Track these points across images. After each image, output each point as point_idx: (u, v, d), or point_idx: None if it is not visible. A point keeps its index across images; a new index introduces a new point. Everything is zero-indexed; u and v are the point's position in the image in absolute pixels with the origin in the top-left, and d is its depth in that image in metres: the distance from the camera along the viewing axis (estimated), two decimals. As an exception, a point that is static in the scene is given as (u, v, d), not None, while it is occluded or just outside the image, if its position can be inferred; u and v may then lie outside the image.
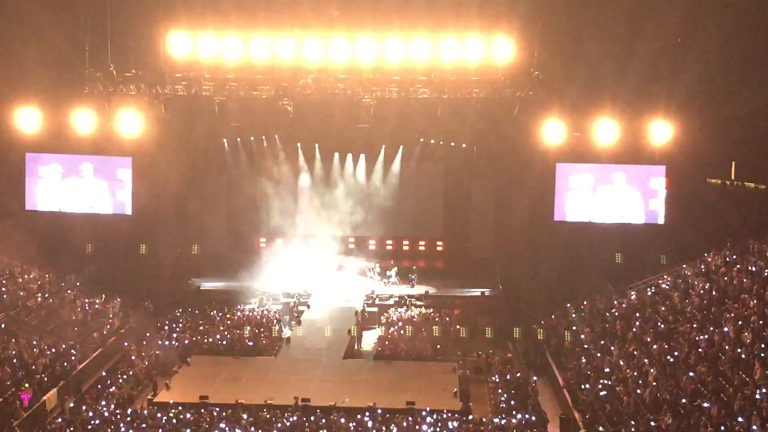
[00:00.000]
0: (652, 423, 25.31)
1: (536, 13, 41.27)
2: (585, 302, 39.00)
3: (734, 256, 34.49)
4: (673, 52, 40.55)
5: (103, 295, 41.43)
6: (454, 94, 41.86)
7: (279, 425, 28.07)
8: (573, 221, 44.56)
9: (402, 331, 39.03)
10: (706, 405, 24.38)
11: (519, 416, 28.90)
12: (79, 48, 42.69)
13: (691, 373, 26.65)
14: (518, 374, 34.02)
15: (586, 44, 41.53)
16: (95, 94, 42.99)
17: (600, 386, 29.51)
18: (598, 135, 41.92)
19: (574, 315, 38.23)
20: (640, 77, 41.26)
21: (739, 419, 22.85)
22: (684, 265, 36.91)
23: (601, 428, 26.76)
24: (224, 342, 37.89)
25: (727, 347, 27.03)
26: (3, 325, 34.31)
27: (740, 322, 28.19)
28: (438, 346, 37.50)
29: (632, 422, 26.10)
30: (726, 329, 28.09)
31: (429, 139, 48.63)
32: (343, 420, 28.56)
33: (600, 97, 42.09)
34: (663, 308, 33.34)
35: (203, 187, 49.77)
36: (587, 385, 30.17)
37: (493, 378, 33.84)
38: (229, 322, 40.28)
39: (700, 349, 27.98)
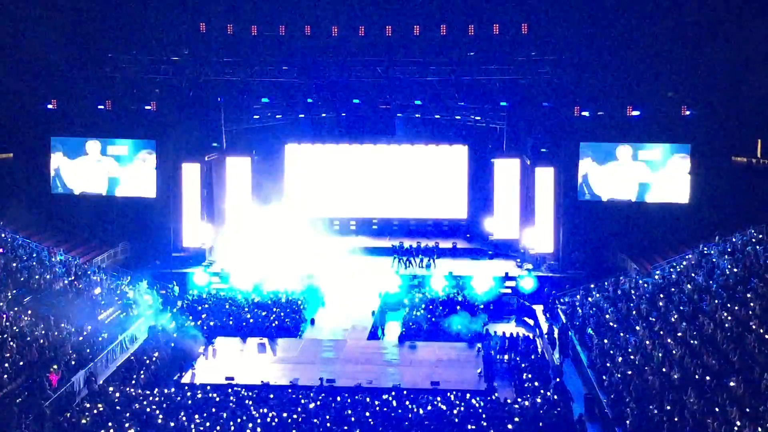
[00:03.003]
0: (678, 402, 25.25)
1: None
2: (610, 281, 38.83)
3: (760, 235, 34.17)
4: (696, 30, 40.11)
5: (129, 278, 41.74)
6: (477, 74, 41.79)
7: (304, 405, 28.24)
8: (597, 200, 44.44)
9: (425, 313, 39.05)
10: (731, 384, 24.28)
11: (543, 396, 28.91)
12: (106, 31, 42.95)
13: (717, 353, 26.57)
14: (542, 354, 34.04)
15: (608, 23, 41.30)
16: (122, 78, 43.30)
17: (625, 365, 29.46)
18: (623, 113, 41.75)
19: (598, 294, 38.10)
20: (664, 55, 40.95)
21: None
22: (709, 244, 36.61)
23: (626, 408, 26.69)
24: (249, 323, 38.05)
25: (753, 326, 26.85)
26: (31, 308, 34.63)
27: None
28: (460, 327, 37.43)
29: (657, 401, 26.04)
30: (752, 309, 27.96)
31: (453, 118, 48.45)
32: (368, 400, 28.69)
33: (624, 76, 41.84)
34: (688, 287, 33.13)
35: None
36: (612, 365, 30.12)
37: (517, 358, 33.83)
38: (254, 303, 40.45)
39: (726, 328, 27.84)
